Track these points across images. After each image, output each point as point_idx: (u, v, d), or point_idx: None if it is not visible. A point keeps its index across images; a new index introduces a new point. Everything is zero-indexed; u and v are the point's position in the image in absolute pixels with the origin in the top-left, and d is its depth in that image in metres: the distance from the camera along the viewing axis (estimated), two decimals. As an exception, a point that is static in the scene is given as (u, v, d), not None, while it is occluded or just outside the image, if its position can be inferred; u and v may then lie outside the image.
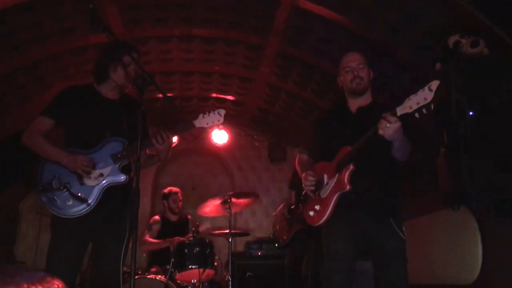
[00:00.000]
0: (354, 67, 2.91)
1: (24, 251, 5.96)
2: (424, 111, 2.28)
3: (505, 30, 2.95)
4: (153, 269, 4.78)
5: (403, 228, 2.72)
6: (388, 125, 2.40)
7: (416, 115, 2.31)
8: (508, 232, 3.10)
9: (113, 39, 2.68)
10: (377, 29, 3.87)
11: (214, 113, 2.83)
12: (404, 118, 2.39)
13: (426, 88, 2.27)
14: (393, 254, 2.66)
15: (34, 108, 4.70)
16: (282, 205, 5.27)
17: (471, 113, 2.68)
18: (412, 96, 2.32)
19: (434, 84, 2.26)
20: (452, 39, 2.95)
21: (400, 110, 2.37)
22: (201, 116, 2.83)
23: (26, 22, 3.93)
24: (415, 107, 2.30)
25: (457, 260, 3.60)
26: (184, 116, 5.49)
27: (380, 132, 2.43)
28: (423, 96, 2.27)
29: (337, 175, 2.72)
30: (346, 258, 2.74)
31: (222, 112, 2.85)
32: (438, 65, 3.07)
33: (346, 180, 2.66)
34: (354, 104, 2.96)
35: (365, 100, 2.95)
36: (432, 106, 2.27)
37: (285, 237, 4.89)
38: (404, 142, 2.58)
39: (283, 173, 7.06)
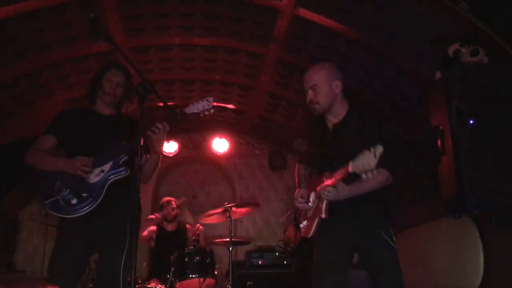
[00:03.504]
0: (307, 91, 2.80)
1: (25, 260, 5.94)
2: (368, 175, 2.31)
3: (504, 39, 2.96)
4: (154, 278, 4.77)
5: (394, 238, 2.71)
6: (326, 193, 2.59)
7: (363, 177, 2.34)
8: (509, 240, 3.09)
9: (108, 51, 2.73)
10: (376, 36, 3.88)
11: (203, 100, 2.87)
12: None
13: (372, 152, 2.26)
14: (385, 264, 2.66)
15: (35, 115, 4.71)
16: (289, 212, 5.26)
17: (471, 121, 2.68)
18: (366, 153, 2.29)
19: (378, 151, 2.24)
20: (452, 48, 2.97)
21: (352, 167, 2.37)
22: (190, 104, 2.88)
23: (27, 30, 3.94)
24: (360, 169, 2.32)
25: (459, 268, 3.58)
26: (185, 124, 5.52)
27: (327, 198, 2.64)
28: (368, 161, 2.27)
29: (317, 201, 2.79)
30: (337, 269, 2.75)
31: (211, 99, 2.90)
32: (438, 74, 3.08)
33: (323, 209, 2.72)
34: (331, 118, 2.87)
35: (337, 116, 2.83)
36: (376, 172, 2.30)
37: (292, 245, 4.88)
38: (360, 191, 2.62)
39: (283, 181, 7.05)
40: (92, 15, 2.47)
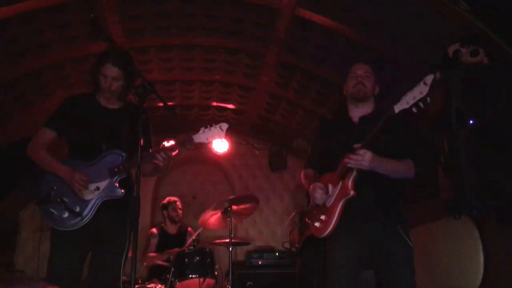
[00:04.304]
0: (360, 74, 2.97)
1: (24, 260, 5.94)
2: (421, 105, 2.40)
3: (504, 39, 2.96)
4: (153, 279, 4.77)
5: (410, 236, 2.71)
6: (360, 158, 2.54)
7: (414, 109, 2.42)
8: (509, 240, 3.09)
9: (107, 47, 2.70)
10: (376, 37, 3.88)
11: (216, 127, 2.76)
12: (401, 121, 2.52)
13: (421, 83, 2.40)
14: (401, 261, 2.65)
15: (35, 116, 4.71)
16: (293, 214, 5.26)
17: (471, 121, 2.68)
18: (408, 93, 2.45)
19: (429, 78, 2.39)
20: (452, 48, 2.96)
21: (397, 108, 2.48)
22: (201, 130, 2.77)
23: (27, 31, 3.95)
24: (411, 102, 2.42)
25: (459, 268, 3.58)
26: (185, 125, 5.52)
27: (355, 167, 2.59)
28: (419, 91, 2.39)
29: (340, 182, 2.71)
30: (351, 267, 2.71)
31: (225, 126, 2.77)
32: (438, 74, 3.08)
33: (350, 186, 2.66)
34: (356, 113, 2.97)
35: (367, 109, 2.97)
36: (429, 99, 2.37)
37: (297, 245, 4.88)
38: (388, 167, 2.67)
39: (283, 182, 7.05)
40: (92, 16, 2.47)
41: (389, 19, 3.62)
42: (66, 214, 2.72)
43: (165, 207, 5.59)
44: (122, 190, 2.80)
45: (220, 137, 2.77)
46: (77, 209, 2.72)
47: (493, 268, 3.28)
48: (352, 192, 2.65)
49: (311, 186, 2.87)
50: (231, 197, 4.62)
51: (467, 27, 3.07)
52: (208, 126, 2.77)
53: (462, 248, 3.56)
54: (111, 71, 2.82)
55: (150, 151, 2.94)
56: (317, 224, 2.81)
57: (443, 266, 3.80)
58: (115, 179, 2.81)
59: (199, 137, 2.76)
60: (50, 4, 3.76)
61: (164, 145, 2.80)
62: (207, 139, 2.76)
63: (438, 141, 2.93)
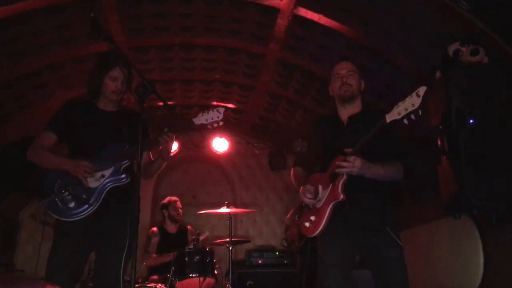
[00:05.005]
0: (343, 74, 2.93)
1: (24, 260, 5.94)
2: (412, 117, 2.35)
3: (504, 39, 2.96)
4: (153, 278, 4.77)
5: (399, 236, 2.71)
6: (350, 165, 2.54)
7: (405, 121, 2.38)
8: (509, 240, 3.09)
9: (106, 49, 2.70)
10: (376, 36, 3.88)
11: (214, 111, 2.82)
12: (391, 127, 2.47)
13: (414, 94, 2.34)
14: (392, 262, 2.65)
15: (35, 116, 4.72)
16: (291, 212, 5.26)
17: (471, 121, 2.68)
18: (400, 103, 2.39)
19: (422, 90, 2.32)
20: (452, 48, 2.97)
21: (389, 117, 2.44)
22: (200, 114, 2.84)
23: (27, 31, 3.95)
24: (403, 113, 2.37)
25: (459, 268, 3.59)
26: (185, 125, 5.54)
27: (344, 173, 2.58)
28: (411, 103, 2.34)
29: (331, 185, 2.72)
30: (341, 268, 2.72)
31: (222, 109, 2.83)
32: (438, 74, 3.08)
33: (339, 189, 2.66)
34: (345, 112, 2.95)
35: (355, 108, 2.95)
36: (420, 112, 2.32)
37: (297, 244, 4.89)
38: (376, 172, 2.66)
39: (283, 181, 7.05)
40: (92, 15, 2.47)
41: (389, 19, 3.62)
42: (72, 204, 2.72)
43: (165, 206, 5.61)
44: (127, 176, 2.82)
45: (218, 119, 2.82)
46: (84, 196, 2.73)
47: (493, 268, 3.28)
48: (341, 196, 2.65)
49: (301, 189, 2.88)
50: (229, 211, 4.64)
51: (467, 27, 3.07)
52: (206, 110, 2.84)
53: (462, 248, 3.56)
54: (122, 73, 2.87)
55: (151, 155, 2.97)
56: (306, 224, 2.83)
57: (443, 266, 3.80)
58: (119, 166, 2.83)
59: (199, 119, 2.83)
60: (50, 4, 3.76)
61: (166, 129, 2.84)
62: (206, 120, 2.82)
63: (438, 140, 2.93)
